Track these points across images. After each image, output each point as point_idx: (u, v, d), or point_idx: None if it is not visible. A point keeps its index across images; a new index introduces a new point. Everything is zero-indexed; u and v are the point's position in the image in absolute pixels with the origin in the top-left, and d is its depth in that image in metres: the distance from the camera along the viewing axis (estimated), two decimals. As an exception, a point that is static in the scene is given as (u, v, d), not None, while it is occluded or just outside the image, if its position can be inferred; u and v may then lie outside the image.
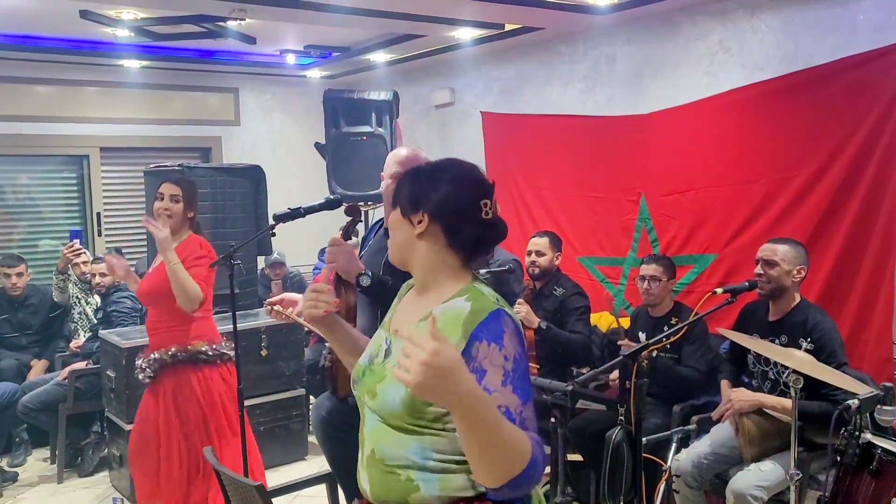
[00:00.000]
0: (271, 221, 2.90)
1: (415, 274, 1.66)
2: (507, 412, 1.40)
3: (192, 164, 5.06)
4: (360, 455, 1.63)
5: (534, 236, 4.31)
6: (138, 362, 3.36)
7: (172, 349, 3.27)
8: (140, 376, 3.33)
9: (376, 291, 2.54)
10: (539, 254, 4.22)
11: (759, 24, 4.01)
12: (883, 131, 3.49)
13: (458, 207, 1.58)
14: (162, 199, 3.32)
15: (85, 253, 5.01)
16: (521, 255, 4.91)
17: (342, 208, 2.74)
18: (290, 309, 2.61)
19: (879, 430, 2.42)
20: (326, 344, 2.63)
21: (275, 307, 2.64)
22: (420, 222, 1.59)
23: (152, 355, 3.29)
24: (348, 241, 2.65)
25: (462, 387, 1.26)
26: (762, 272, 3.18)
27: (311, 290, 2.44)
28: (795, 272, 3.18)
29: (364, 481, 1.60)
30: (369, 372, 1.63)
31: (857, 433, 2.24)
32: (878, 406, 2.28)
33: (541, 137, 5.27)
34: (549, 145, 5.21)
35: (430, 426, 1.49)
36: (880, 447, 2.20)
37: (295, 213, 2.74)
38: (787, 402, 2.81)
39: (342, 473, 2.73)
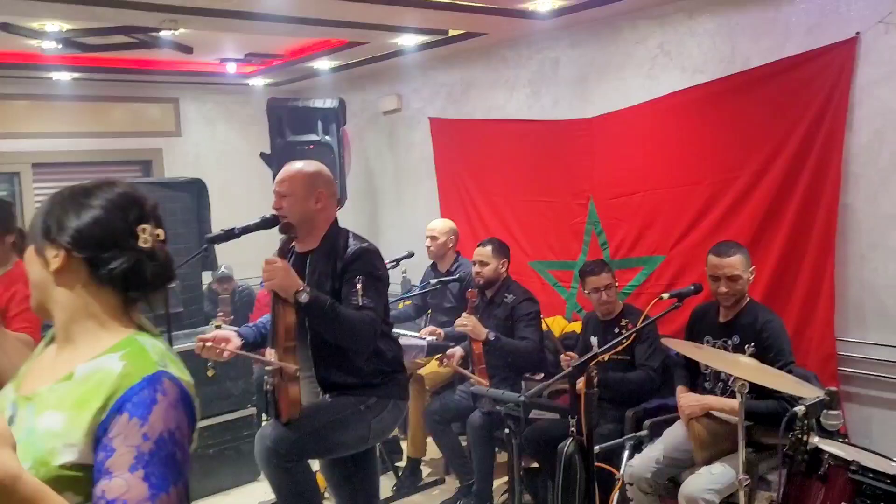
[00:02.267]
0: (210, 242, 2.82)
1: (56, 322, 1.36)
2: None
3: (127, 179, 4.89)
4: None
5: (478, 246, 4.27)
6: None
7: None
8: None
9: (314, 309, 2.48)
10: (483, 263, 4.20)
11: (697, 27, 4.04)
12: (818, 131, 3.55)
13: (104, 235, 1.32)
14: None
15: None
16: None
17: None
18: (223, 344, 2.55)
19: (827, 434, 2.44)
20: (267, 367, 2.57)
21: (206, 344, 2.57)
22: (55, 257, 1.31)
23: None
24: (284, 258, 2.59)
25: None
26: (727, 289, 3.18)
27: (267, 262, 2.39)
28: (750, 275, 3.23)
29: None
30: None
31: (804, 438, 2.24)
32: (824, 411, 2.29)
33: (489, 143, 5.25)
34: (497, 150, 5.19)
35: None
36: (827, 452, 2.21)
37: (229, 235, 2.66)
38: (735, 404, 2.82)
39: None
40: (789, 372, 3.00)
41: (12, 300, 2.88)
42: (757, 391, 2.79)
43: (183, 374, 1.31)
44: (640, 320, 3.29)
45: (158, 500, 1.16)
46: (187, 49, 4.88)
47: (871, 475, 2.10)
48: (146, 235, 1.35)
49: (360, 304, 2.53)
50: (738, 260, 3.19)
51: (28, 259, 1.38)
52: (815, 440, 2.29)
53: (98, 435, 1.20)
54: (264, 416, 4.87)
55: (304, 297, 2.45)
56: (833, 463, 2.18)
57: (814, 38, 3.53)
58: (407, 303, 5.03)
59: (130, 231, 1.34)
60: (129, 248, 1.33)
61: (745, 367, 2.46)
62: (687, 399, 3.23)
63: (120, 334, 1.32)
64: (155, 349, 1.31)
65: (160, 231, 1.39)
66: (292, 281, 2.48)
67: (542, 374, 4.15)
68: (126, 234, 1.34)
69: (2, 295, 2.97)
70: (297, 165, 2.76)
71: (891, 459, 2.32)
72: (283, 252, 2.63)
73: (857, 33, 3.39)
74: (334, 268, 2.61)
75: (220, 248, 5.18)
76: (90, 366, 1.27)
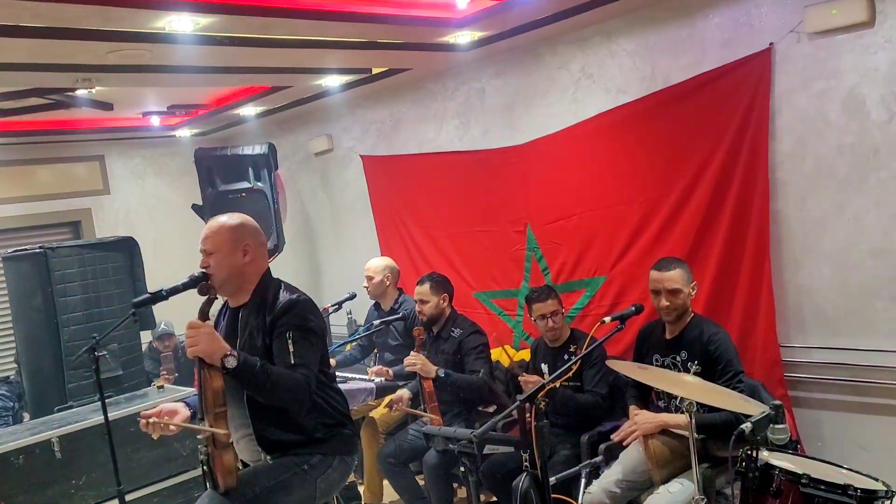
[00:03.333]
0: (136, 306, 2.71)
1: None
2: None
3: (54, 243, 4.72)
4: None
5: (417, 284, 4.22)
6: None
7: None
8: None
9: (243, 374, 2.37)
10: (423, 302, 4.16)
11: (617, 48, 4.09)
12: (743, 141, 3.60)
13: None
14: None
15: None
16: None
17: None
18: (167, 417, 2.44)
19: (777, 446, 2.43)
20: (199, 436, 2.45)
21: (150, 420, 2.45)
22: None
23: None
24: (206, 321, 2.48)
25: None
26: (668, 303, 3.20)
27: (189, 327, 2.29)
28: (692, 290, 3.24)
29: None
30: None
31: (754, 455, 2.23)
32: (771, 426, 2.29)
33: (422, 176, 5.22)
34: (431, 183, 5.17)
35: None
36: (778, 468, 2.20)
37: (156, 297, 2.56)
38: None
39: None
40: (739, 382, 3.01)
41: None
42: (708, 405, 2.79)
43: None
44: (586, 344, 3.26)
45: None
46: (107, 106, 4.78)
47: (822, 487, 2.09)
48: None
49: (293, 361, 2.44)
50: (678, 274, 3.21)
51: None
52: (765, 454, 2.28)
53: None
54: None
55: (231, 363, 2.34)
56: (784, 478, 2.17)
57: (730, 51, 3.60)
58: (352, 345, 4.94)
59: None
60: None
61: (690, 386, 2.45)
62: (643, 416, 3.20)
63: None
64: None
65: None
66: (218, 346, 2.37)
67: (495, 406, 4.10)
68: None
69: None
70: (221, 220, 2.67)
71: (840, 466, 2.33)
72: (204, 314, 2.53)
73: (771, 44, 3.47)
74: (264, 322, 2.52)
75: (158, 305, 5.03)
76: None
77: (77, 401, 4.51)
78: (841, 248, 3.40)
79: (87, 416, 4.08)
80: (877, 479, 2.29)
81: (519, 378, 3.74)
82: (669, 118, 3.86)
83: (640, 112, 3.98)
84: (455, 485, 4.14)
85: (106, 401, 3.60)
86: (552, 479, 2.80)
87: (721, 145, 3.69)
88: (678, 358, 3.23)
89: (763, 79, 3.51)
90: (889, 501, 2.19)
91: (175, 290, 2.58)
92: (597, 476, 3.25)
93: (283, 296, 2.57)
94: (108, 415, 3.60)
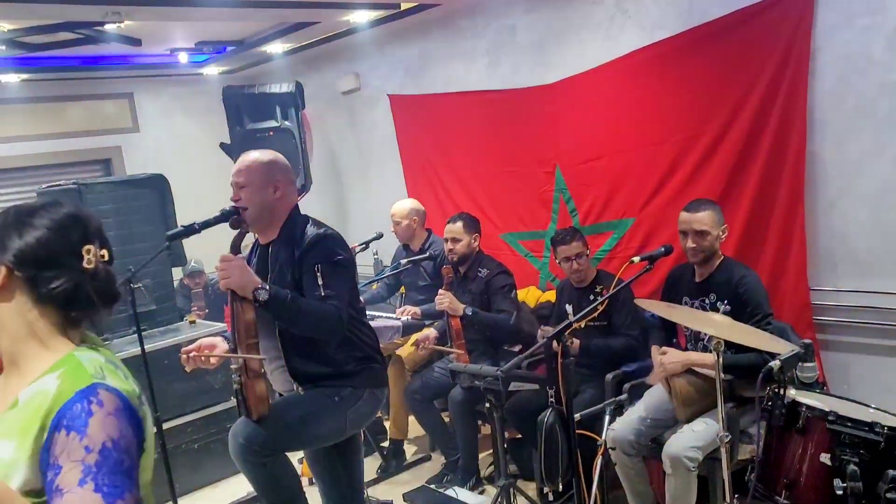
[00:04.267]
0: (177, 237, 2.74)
1: (3, 349, 1.35)
2: None
3: (88, 179, 4.77)
4: None
5: (448, 223, 4.22)
6: None
7: None
8: None
9: (275, 306, 2.41)
10: (454, 240, 4.16)
11: (653, -18, 3.97)
12: (782, 79, 3.51)
13: (48, 255, 1.32)
14: None
15: None
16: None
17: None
18: (208, 351, 2.50)
19: (804, 386, 2.43)
20: (233, 366, 2.51)
21: (191, 354, 2.52)
22: None
23: None
24: (238, 255, 2.51)
25: None
26: (694, 245, 3.16)
27: (221, 260, 2.33)
28: (721, 233, 3.20)
29: None
30: None
31: (781, 392, 2.23)
32: (800, 364, 2.28)
33: (450, 116, 5.17)
34: (459, 123, 5.12)
35: None
36: (804, 405, 2.20)
37: (189, 231, 2.59)
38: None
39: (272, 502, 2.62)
40: (768, 325, 2.99)
41: None
42: (737, 346, 2.79)
43: (124, 384, 1.29)
44: (613, 285, 3.26)
45: None
46: (135, 41, 4.75)
47: (849, 424, 2.09)
48: (90, 256, 1.35)
49: (323, 293, 2.46)
50: (708, 216, 3.17)
51: None
52: (793, 393, 2.27)
53: (42, 457, 1.20)
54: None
55: (262, 295, 2.38)
56: (810, 415, 2.17)
57: (771, -14, 3.48)
58: (378, 284, 4.98)
59: (74, 251, 1.34)
60: (71, 269, 1.33)
61: (718, 325, 2.44)
62: (670, 356, 3.19)
63: (60, 353, 1.31)
64: (92, 362, 1.29)
65: (105, 251, 1.40)
66: (249, 278, 2.41)
67: (520, 346, 4.14)
68: (69, 254, 1.34)
69: None
70: (253, 155, 2.68)
71: (868, 406, 2.32)
72: (236, 248, 2.56)
73: (814, -23, 3.35)
74: (293, 257, 2.54)
75: (188, 243, 5.09)
76: (31, 389, 1.26)
77: (113, 333, 4.61)
78: (879, 189, 3.32)
79: (123, 347, 4.18)
80: (905, 419, 2.29)
81: (539, 330, 3.76)
82: (706, 55, 3.76)
83: (676, 49, 3.88)
84: (480, 422, 4.21)
85: (142, 333, 3.68)
86: (576, 416, 2.82)
87: (759, 84, 3.59)
88: (707, 301, 3.21)
89: (805, 14, 3.40)
90: (917, 441, 2.18)
91: (207, 224, 2.61)
92: (621, 414, 3.28)
93: (311, 230, 2.58)
94: (145, 347, 3.69)
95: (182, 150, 6.69)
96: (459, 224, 4.16)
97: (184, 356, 2.56)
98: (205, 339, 2.68)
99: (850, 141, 3.39)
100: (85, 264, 1.34)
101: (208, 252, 5.55)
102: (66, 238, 1.35)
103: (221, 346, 2.66)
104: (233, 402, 4.66)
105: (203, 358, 2.56)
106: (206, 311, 5.88)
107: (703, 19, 3.76)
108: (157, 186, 4.98)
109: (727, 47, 3.67)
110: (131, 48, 4.90)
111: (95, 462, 1.17)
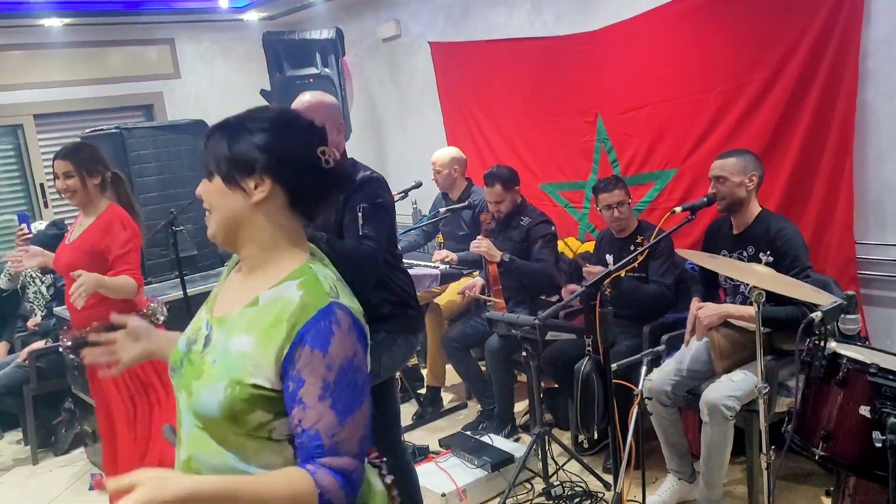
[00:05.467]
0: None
1: (246, 252, 1.40)
2: (317, 436, 1.25)
3: (130, 124, 4.83)
4: (176, 457, 1.44)
5: (486, 186, 4.17)
6: (64, 341, 3.22)
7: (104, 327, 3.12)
8: (69, 355, 3.19)
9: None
10: (498, 203, 4.13)
11: (704, -76, 3.83)
12: (834, 26, 3.39)
13: (300, 160, 1.35)
14: (59, 179, 3.12)
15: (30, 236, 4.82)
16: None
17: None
18: None
19: (846, 339, 2.41)
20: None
21: None
22: (257, 187, 1.34)
23: (78, 337, 3.10)
24: None
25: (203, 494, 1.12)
26: (714, 190, 3.15)
27: None
28: (747, 181, 3.12)
29: None
30: (187, 362, 1.40)
31: (822, 344, 2.21)
32: (842, 315, 2.25)
33: (491, 65, 5.11)
34: (500, 72, 5.06)
35: (252, 435, 1.31)
36: (845, 357, 2.17)
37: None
38: (753, 310, 2.83)
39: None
40: (806, 278, 2.95)
41: (114, 243, 3.03)
42: (775, 299, 2.76)
43: (351, 302, 1.36)
44: (654, 235, 3.23)
45: (346, 425, 1.26)
46: (176, -15, 4.76)
47: (891, 376, 2.06)
48: (326, 157, 1.37)
49: (361, 233, 2.48)
50: (730, 162, 3.12)
51: (213, 195, 1.37)
52: (833, 345, 2.25)
53: (284, 364, 1.28)
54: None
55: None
56: (851, 367, 2.15)
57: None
58: (415, 231, 5.00)
59: (316, 154, 1.37)
60: (318, 172, 1.37)
61: (760, 275, 2.41)
62: (706, 309, 3.17)
63: (297, 261, 1.38)
64: (327, 279, 1.36)
65: (335, 151, 1.42)
66: None
67: (557, 297, 4.14)
68: (315, 158, 1.36)
69: (100, 239, 3.07)
70: (306, 97, 2.67)
71: (911, 360, 2.29)
72: None
73: (872, -82, 3.21)
74: (338, 198, 2.55)
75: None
76: (272, 293, 1.34)
77: (155, 277, 4.72)
78: (932, 142, 3.23)
79: (165, 291, 4.28)
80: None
81: (583, 269, 3.73)
82: (754, 2, 3.64)
83: (725, -6, 3.77)
84: (516, 371, 4.25)
85: (184, 277, 3.76)
86: (613, 366, 2.83)
87: (809, 31, 3.47)
88: (745, 253, 3.17)
89: (862, -43, 3.27)
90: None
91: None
92: (658, 365, 3.28)
93: (357, 172, 2.59)
94: (187, 290, 3.78)
95: (222, 97, 6.70)
96: (498, 187, 4.10)
97: None
98: None
99: (904, 91, 3.28)
100: (325, 165, 1.37)
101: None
102: (310, 142, 1.37)
103: None
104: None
105: None
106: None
107: (754, -37, 3.63)
108: (199, 132, 5.02)
109: (779, -7, 3.55)
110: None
111: (334, 380, 1.26)
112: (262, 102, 5.63)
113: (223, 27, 6.62)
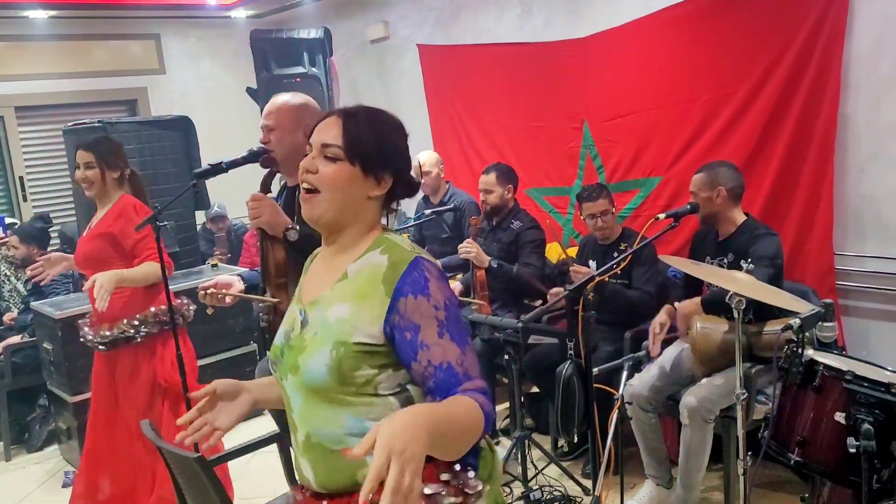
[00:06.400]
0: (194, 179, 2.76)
1: (346, 234, 1.52)
2: (450, 368, 1.36)
3: (113, 119, 4.79)
4: (293, 442, 1.52)
5: (482, 173, 4.21)
6: (86, 333, 3.20)
7: (135, 321, 3.12)
8: (91, 344, 3.19)
9: (304, 244, 2.43)
10: (487, 192, 4.15)
11: (692, -65, 3.87)
12: (817, 39, 3.44)
13: (408, 162, 1.55)
14: (79, 169, 3.14)
15: (8, 240, 4.79)
16: (469, 190, 4.82)
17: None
18: (224, 290, 2.52)
19: (823, 347, 2.44)
20: (261, 305, 2.55)
21: (208, 291, 2.54)
22: (382, 181, 1.50)
23: (108, 331, 3.11)
24: (268, 194, 2.52)
25: (428, 435, 1.15)
26: (695, 201, 3.24)
27: (252, 199, 2.37)
28: (715, 195, 3.19)
29: (306, 469, 1.50)
30: (287, 349, 1.51)
31: (799, 351, 2.24)
32: (820, 323, 2.28)
33: (479, 68, 5.12)
34: (488, 76, 5.07)
35: (361, 392, 1.40)
36: (822, 364, 2.20)
37: (216, 169, 2.58)
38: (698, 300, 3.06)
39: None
40: (767, 269, 2.96)
41: (128, 228, 3.07)
42: (755, 309, 2.78)
43: (430, 257, 1.49)
44: (637, 241, 3.26)
45: (467, 352, 1.39)
46: (164, -20, 4.73)
47: (865, 384, 2.10)
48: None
49: None
50: (697, 179, 3.25)
51: (344, 179, 1.47)
52: (810, 353, 2.28)
53: (388, 318, 1.39)
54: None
55: (293, 235, 2.38)
56: (828, 374, 2.17)
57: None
58: (403, 236, 4.99)
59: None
60: (412, 181, 1.57)
61: (741, 282, 2.44)
62: (682, 306, 3.19)
63: (374, 235, 1.51)
64: (404, 241, 1.51)
65: None
66: (280, 218, 2.42)
67: (541, 301, 4.16)
68: (410, 161, 1.56)
69: (113, 222, 3.11)
70: (284, 98, 2.67)
71: (885, 368, 2.32)
72: (266, 187, 2.56)
73: (855, -66, 3.26)
74: None
75: (211, 188, 5.13)
76: (358, 264, 1.47)
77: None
78: (912, 155, 3.28)
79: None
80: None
81: (570, 268, 3.74)
82: (742, 13, 3.69)
83: (711, 6, 3.81)
84: (498, 375, 4.26)
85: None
86: (594, 371, 2.85)
87: (793, 44, 3.52)
88: (725, 260, 3.21)
89: (844, -26, 3.32)
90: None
91: (235, 164, 2.61)
92: (639, 370, 3.31)
93: None
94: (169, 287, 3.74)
95: (208, 94, 6.68)
96: (493, 175, 4.15)
97: (201, 292, 2.60)
98: (222, 276, 2.72)
99: (885, 104, 3.33)
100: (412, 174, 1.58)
101: (232, 197, 5.60)
102: (407, 145, 1.55)
103: (237, 285, 2.69)
104: (253, 346, 4.73)
105: (219, 296, 2.60)
106: (229, 255, 5.95)
107: (741, -25, 3.68)
108: (183, 128, 5.00)
109: (763, 6, 3.60)
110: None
111: (445, 317, 1.39)
112: (248, 100, 5.64)
113: (210, 24, 6.59)
